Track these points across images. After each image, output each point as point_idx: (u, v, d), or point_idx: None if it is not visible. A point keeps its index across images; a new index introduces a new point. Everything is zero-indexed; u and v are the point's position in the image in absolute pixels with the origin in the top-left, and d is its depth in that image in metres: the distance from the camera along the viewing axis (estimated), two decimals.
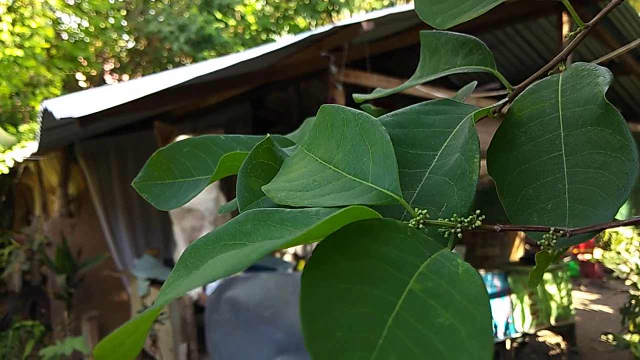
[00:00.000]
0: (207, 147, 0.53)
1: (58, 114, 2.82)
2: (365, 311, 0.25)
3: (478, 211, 0.33)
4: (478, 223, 0.33)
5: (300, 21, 9.28)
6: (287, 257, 5.25)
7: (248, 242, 0.32)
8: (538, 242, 0.35)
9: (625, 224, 0.34)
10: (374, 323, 0.24)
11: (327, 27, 3.45)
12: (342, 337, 0.23)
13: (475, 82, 0.57)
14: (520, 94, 0.43)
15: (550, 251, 0.34)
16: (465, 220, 0.33)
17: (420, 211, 0.33)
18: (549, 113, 0.41)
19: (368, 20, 3.26)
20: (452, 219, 0.33)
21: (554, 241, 0.33)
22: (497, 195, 0.37)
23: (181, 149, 0.53)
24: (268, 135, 0.42)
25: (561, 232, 0.33)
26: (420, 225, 0.32)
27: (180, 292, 0.25)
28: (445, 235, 0.33)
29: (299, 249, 5.49)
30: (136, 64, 8.81)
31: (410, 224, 0.32)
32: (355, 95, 0.59)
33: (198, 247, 0.32)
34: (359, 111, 0.38)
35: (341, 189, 0.35)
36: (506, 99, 0.45)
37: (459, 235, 0.33)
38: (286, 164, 0.42)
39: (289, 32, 9.06)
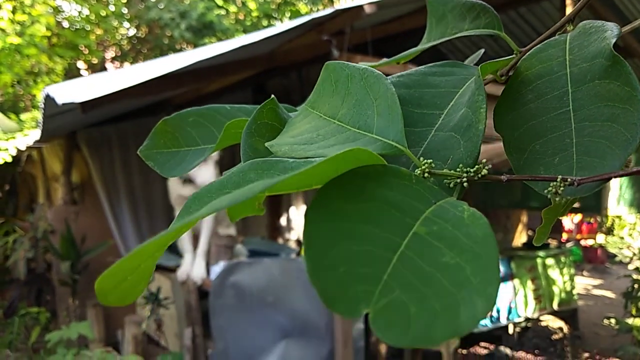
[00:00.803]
0: (212, 116, 0.53)
1: (60, 100, 2.82)
2: (369, 249, 0.25)
3: (484, 160, 0.33)
4: (484, 172, 0.33)
5: (302, 7, 9.23)
6: (291, 245, 5.27)
7: None
8: (545, 191, 0.34)
9: (631, 173, 0.33)
10: (378, 260, 0.24)
11: (328, 10, 3.43)
12: (346, 271, 0.23)
13: (483, 50, 0.57)
14: (528, 53, 0.43)
15: (557, 200, 0.34)
16: (472, 170, 0.33)
17: (425, 161, 0.33)
18: (556, 71, 0.40)
19: (370, 3, 3.23)
20: (457, 169, 0.33)
21: (561, 189, 0.33)
22: (504, 151, 0.37)
23: (186, 118, 0.53)
24: (272, 96, 0.42)
25: (569, 180, 0.33)
26: (426, 175, 0.32)
27: (190, 219, 0.25)
28: (451, 186, 0.33)
29: (301, 233, 5.50)
30: (137, 51, 8.79)
31: (415, 173, 0.32)
32: (361, 63, 0.59)
33: (201, 195, 0.33)
34: (363, 66, 0.38)
35: (345, 141, 0.35)
36: (510, 57, 0.44)
37: (465, 184, 0.33)
38: (290, 122, 0.41)
39: (290, 18, 9.02)
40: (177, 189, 3.48)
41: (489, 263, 0.24)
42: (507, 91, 0.41)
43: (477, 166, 0.33)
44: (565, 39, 0.44)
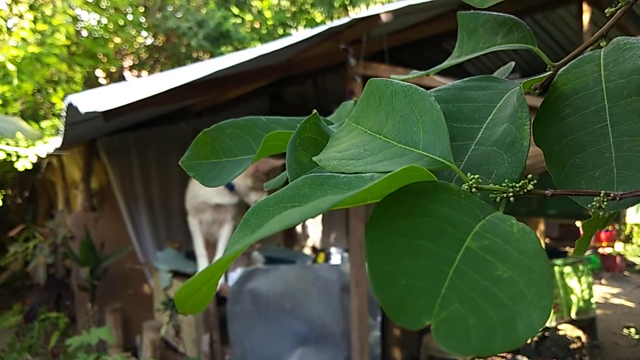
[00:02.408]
0: (249, 128, 0.55)
1: (83, 108, 2.87)
2: (426, 263, 0.26)
3: (530, 176, 0.34)
4: (530, 187, 0.34)
5: (317, 15, 9.27)
6: (306, 251, 5.28)
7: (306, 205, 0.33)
8: (588, 206, 0.35)
9: None
10: (435, 274, 0.26)
11: (345, 19, 3.45)
12: (407, 285, 0.25)
13: (513, 63, 0.58)
14: (563, 69, 0.44)
15: (601, 214, 0.35)
16: (517, 185, 0.34)
17: (472, 176, 0.34)
18: (592, 86, 0.42)
19: (387, 12, 3.25)
20: (503, 184, 0.34)
21: (605, 204, 0.34)
22: (546, 164, 0.38)
23: (224, 129, 0.55)
24: (315, 111, 0.43)
25: (611, 195, 0.34)
26: (473, 190, 0.33)
27: (260, 234, 0.27)
28: (497, 200, 0.34)
29: (317, 242, 5.52)
30: (155, 60, 8.89)
31: (463, 188, 0.33)
32: (393, 76, 0.60)
33: (259, 209, 0.34)
34: (407, 83, 0.39)
35: (392, 157, 0.36)
36: (547, 74, 0.45)
37: (511, 199, 0.34)
38: (334, 137, 0.43)
39: (305, 26, 9.07)
40: (204, 196, 3.47)
41: (542, 276, 0.25)
42: (545, 105, 0.42)
43: (522, 181, 0.34)
44: (599, 54, 0.45)
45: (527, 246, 0.27)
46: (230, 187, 3.42)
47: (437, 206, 0.30)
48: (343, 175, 0.34)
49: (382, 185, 0.29)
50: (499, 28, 0.53)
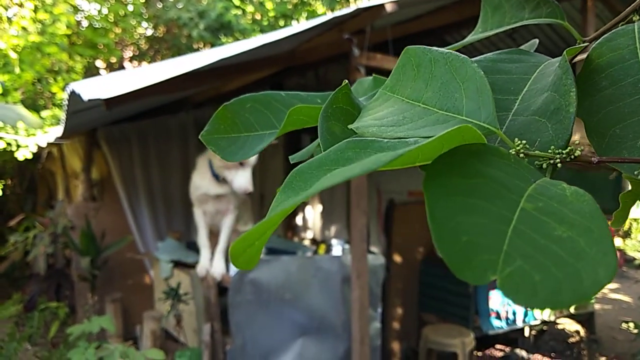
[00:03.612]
0: (268, 103, 0.54)
1: (86, 96, 2.85)
2: (485, 222, 0.25)
3: (577, 142, 0.34)
4: (578, 153, 0.33)
5: (319, 7, 9.24)
6: (307, 243, 5.28)
7: None
8: (635, 172, 0.35)
9: None
10: (495, 232, 0.25)
11: (349, 8, 3.43)
12: (468, 241, 0.24)
13: (537, 40, 0.57)
14: (597, 42, 0.44)
15: None
16: (564, 151, 0.33)
17: (519, 141, 0.33)
18: (628, 59, 0.41)
19: (391, 2, 3.23)
20: (549, 151, 0.34)
21: None
22: (586, 135, 0.38)
23: (244, 104, 0.54)
24: (346, 81, 0.42)
25: None
26: (521, 155, 0.33)
27: (310, 192, 0.26)
28: (544, 167, 0.34)
29: (317, 234, 5.51)
30: (155, 51, 8.86)
31: (511, 153, 0.33)
32: None
33: (302, 172, 0.34)
34: (447, 50, 0.39)
35: (435, 123, 0.36)
36: (583, 45, 0.45)
37: (558, 165, 0.33)
38: (367, 107, 0.42)
39: (307, 18, 9.04)
40: (206, 187, 3.49)
41: (602, 236, 0.25)
42: (580, 79, 0.42)
43: (569, 148, 0.33)
44: (633, 28, 0.44)
45: (583, 207, 0.27)
46: (217, 177, 3.43)
47: (489, 168, 0.29)
48: (386, 140, 0.33)
49: (434, 145, 0.28)
50: (526, 3, 0.52)
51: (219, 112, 0.55)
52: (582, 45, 0.45)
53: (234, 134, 0.54)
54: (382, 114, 0.39)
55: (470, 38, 0.56)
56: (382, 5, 3.25)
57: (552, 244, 0.25)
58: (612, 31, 0.46)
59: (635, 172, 0.35)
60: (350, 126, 0.39)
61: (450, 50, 0.38)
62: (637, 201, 0.39)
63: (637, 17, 0.47)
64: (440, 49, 0.39)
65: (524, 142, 0.33)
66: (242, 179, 3.28)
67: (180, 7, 8.00)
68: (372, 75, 0.62)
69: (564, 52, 0.40)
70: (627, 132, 0.37)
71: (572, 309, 5.63)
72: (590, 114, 0.39)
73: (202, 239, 3.57)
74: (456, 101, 0.36)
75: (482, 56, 0.45)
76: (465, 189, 0.27)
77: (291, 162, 0.53)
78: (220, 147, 0.53)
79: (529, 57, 0.44)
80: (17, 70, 5.92)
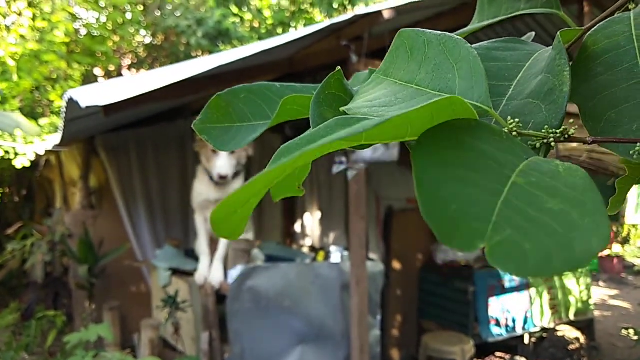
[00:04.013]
0: (262, 93, 0.54)
1: (83, 103, 2.85)
2: (475, 192, 0.25)
3: (572, 121, 0.34)
4: (572, 132, 0.33)
5: (316, 14, 9.28)
6: (305, 250, 5.26)
7: None
8: (631, 152, 0.35)
9: None
10: (484, 203, 0.25)
11: (346, 15, 3.44)
12: (457, 209, 0.24)
13: (534, 33, 0.57)
14: (593, 29, 0.44)
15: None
16: (558, 131, 0.33)
17: (512, 120, 0.33)
18: (623, 45, 0.41)
19: (389, 9, 3.24)
20: (543, 130, 0.34)
21: None
22: (581, 119, 0.38)
23: (238, 94, 0.54)
24: (339, 67, 0.42)
25: None
26: (514, 134, 0.33)
27: (290, 158, 0.26)
28: (537, 146, 0.34)
29: (316, 241, 5.50)
30: (154, 58, 8.87)
31: (504, 130, 0.33)
32: None
33: (290, 147, 0.33)
34: (441, 32, 0.38)
35: (427, 102, 0.35)
36: (582, 28, 0.45)
37: (552, 145, 0.33)
38: (360, 91, 0.42)
39: (305, 26, 9.07)
40: (206, 193, 3.52)
41: (595, 208, 0.24)
42: (576, 65, 0.42)
43: (563, 127, 0.33)
44: (629, 16, 0.44)
45: (577, 182, 0.26)
46: (215, 182, 3.46)
47: (480, 143, 0.29)
48: (376, 118, 0.33)
49: (423, 114, 0.28)
50: None
51: (213, 102, 0.54)
52: (576, 28, 0.44)
53: (227, 124, 0.53)
54: (375, 96, 0.39)
55: (468, 29, 0.56)
56: (379, 12, 3.26)
57: (543, 215, 0.24)
58: (608, 19, 0.46)
59: (631, 152, 0.35)
60: (342, 109, 0.39)
61: (444, 32, 0.38)
62: (633, 185, 0.38)
63: (633, 5, 0.47)
64: (434, 31, 0.39)
65: (516, 120, 0.33)
66: (218, 163, 3.35)
67: (179, 15, 8.02)
68: (368, 69, 0.62)
69: (558, 34, 0.40)
70: (622, 116, 0.37)
71: (571, 316, 5.60)
72: (585, 99, 0.39)
73: (202, 246, 3.57)
74: (449, 82, 0.36)
75: (476, 44, 0.44)
76: (455, 161, 0.27)
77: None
78: (213, 136, 0.53)
79: (523, 45, 0.44)
80: (15, 77, 5.93)
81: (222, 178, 3.39)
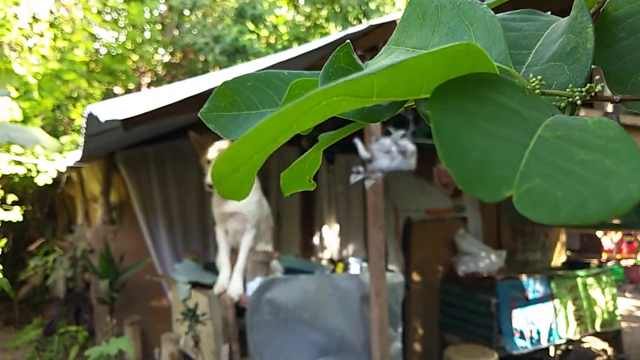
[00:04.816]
0: (270, 81, 0.53)
1: (103, 117, 2.88)
2: (498, 142, 0.23)
3: (597, 77, 0.32)
4: (599, 89, 0.31)
5: (332, 29, 9.34)
6: (324, 263, 5.23)
7: None
8: None
9: None
10: (509, 153, 0.23)
11: (361, 25, 3.45)
12: (479, 158, 0.22)
13: (549, 12, 0.55)
14: None
15: None
16: (583, 89, 0.31)
17: (535, 77, 0.31)
18: None
19: None
20: (567, 89, 0.32)
21: None
22: (606, 84, 0.36)
23: (246, 82, 0.53)
24: (348, 41, 0.41)
25: None
26: (536, 92, 0.31)
27: (305, 97, 0.24)
28: (562, 106, 0.32)
29: (335, 253, 5.47)
30: (172, 76, 8.99)
31: (527, 87, 0.31)
32: None
33: (301, 83, 0.31)
34: None
35: None
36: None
37: (578, 103, 0.31)
38: (370, 63, 0.41)
39: None
40: (218, 205, 3.54)
41: (632, 155, 0.22)
42: (598, 31, 0.40)
43: (589, 85, 0.31)
44: None
45: (608, 133, 0.24)
46: None
47: (502, 97, 0.27)
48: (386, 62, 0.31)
49: (439, 61, 0.26)
50: None
51: (219, 89, 0.53)
52: None
53: (234, 112, 0.52)
54: (384, 63, 0.37)
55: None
56: (394, 22, 3.26)
57: (575, 165, 0.22)
58: None
59: None
60: None
61: None
62: None
63: None
64: None
65: (539, 77, 0.31)
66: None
67: (196, 32, 8.13)
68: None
69: None
70: None
71: (597, 327, 5.47)
72: (609, 62, 0.37)
73: (222, 257, 3.57)
74: None
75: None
76: (476, 111, 0.25)
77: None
78: (220, 125, 0.52)
79: (541, 17, 0.43)
80: (36, 94, 6.05)
81: (210, 187, 3.41)
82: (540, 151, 0.23)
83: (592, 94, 0.31)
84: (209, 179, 3.39)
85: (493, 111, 0.25)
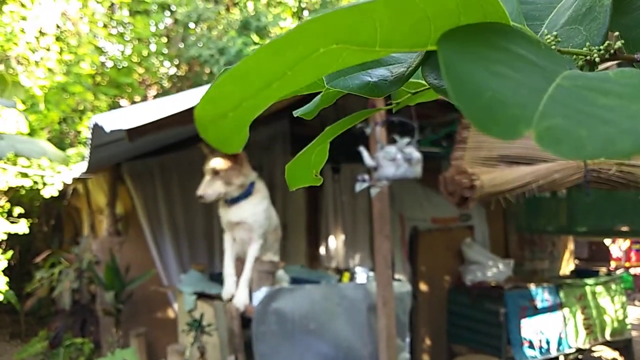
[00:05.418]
0: None
1: (108, 127, 2.89)
2: (514, 84, 0.22)
3: (617, 34, 0.30)
4: (618, 45, 0.30)
5: None
6: (330, 272, 5.20)
7: None
8: None
9: None
10: (527, 95, 0.21)
11: None
12: (493, 97, 0.21)
13: None
14: None
15: None
16: (602, 47, 0.30)
17: (551, 33, 0.30)
18: None
19: None
20: (584, 48, 0.30)
21: None
22: (625, 50, 0.35)
23: None
24: None
25: None
26: (553, 46, 0.30)
27: (297, 28, 0.22)
28: (580, 64, 0.30)
29: (341, 263, 5.43)
30: (178, 89, 9.03)
31: (543, 41, 0.29)
32: None
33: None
34: None
35: None
36: None
37: (597, 61, 0.30)
38: None
39: None
40: (222, 214, 3.54)
41: None
42: (614, 2, 0.39)
43: (607, 43, 0.30)
44: None
45: (632, 81, 0.23)
46: (227, 201, 3.48)
47: (517, 47, 0.26)
48: None
49: (449, 3, 0.24)
50: None
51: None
52: None
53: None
54: None
55: None
56: None
57: (598, 109, 0.21)
58: None
59: None
60: None
61: None
62: None
63: None
64: None
65: (554, 33, 0.30)
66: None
67: (201, 45, 8.17)
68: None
69: None
70: None
71: (607, 336, 5.40)
72: (628, 28, 0.36)
73: (227, 268, 3.54)
74: None
75: None
76: (489, 56, 0.23)
77: (295, 116, 0.50)
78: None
79: None
80: (42, 106, 6.09)
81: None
82: (560, 96, 0.22)
83: (611, 51, 0.30)
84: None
85: (507, 58, 0.24)
